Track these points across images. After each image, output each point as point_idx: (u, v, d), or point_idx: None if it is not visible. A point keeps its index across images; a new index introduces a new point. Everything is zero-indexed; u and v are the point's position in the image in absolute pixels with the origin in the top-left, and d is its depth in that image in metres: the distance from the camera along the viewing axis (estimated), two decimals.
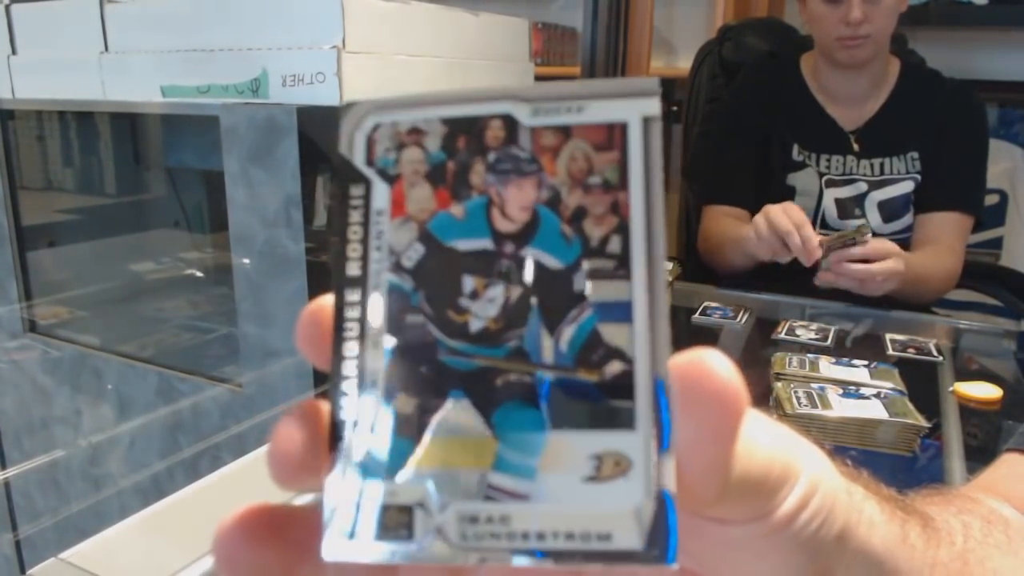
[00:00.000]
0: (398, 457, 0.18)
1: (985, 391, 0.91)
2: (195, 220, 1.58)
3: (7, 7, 1.17)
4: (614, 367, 0.18)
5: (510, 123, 0.19)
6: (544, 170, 0.19)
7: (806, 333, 1.09)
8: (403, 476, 0.18)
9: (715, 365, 0.18)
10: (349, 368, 0.19)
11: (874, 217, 1.34)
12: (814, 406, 0.79)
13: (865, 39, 1.25)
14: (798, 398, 0.81)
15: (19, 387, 1.42)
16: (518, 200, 0.19)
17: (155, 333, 1.43)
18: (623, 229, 0.18)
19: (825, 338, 1.07)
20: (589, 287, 0.18)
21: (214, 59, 0.98)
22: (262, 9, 0.94)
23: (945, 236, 1.32)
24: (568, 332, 0.18)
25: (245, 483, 0.74)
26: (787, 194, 1.37)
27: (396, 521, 0.18)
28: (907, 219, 1.35)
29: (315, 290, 1.03)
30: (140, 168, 1.63)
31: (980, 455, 0.78)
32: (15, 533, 1.44)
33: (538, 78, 1.34)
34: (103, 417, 1.32)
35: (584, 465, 0.17)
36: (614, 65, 1.53)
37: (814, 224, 1.36)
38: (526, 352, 0.19)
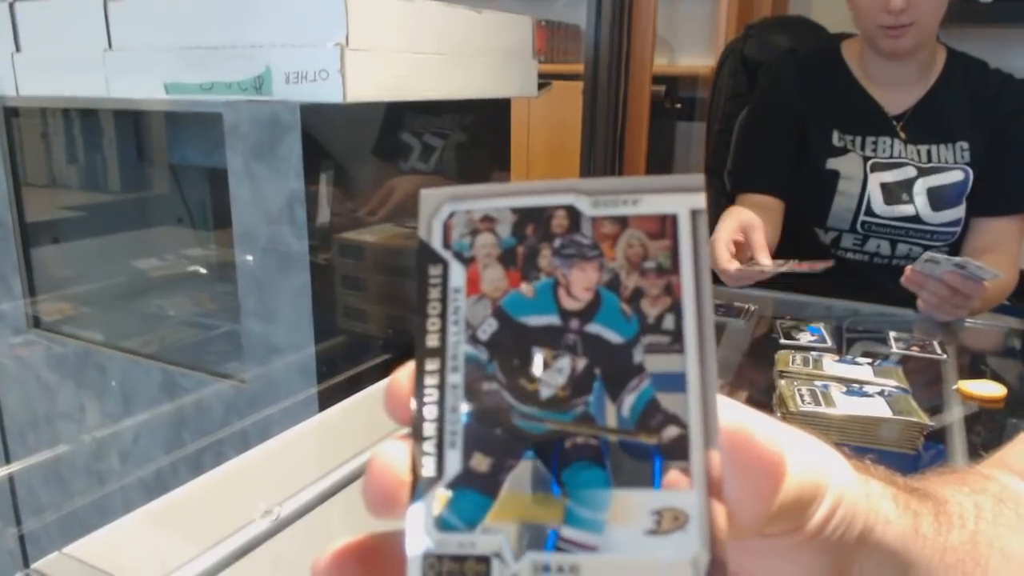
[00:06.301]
0: (476, 511, 0.20)
1: (989, 389, 0.90)
2: (199, 217, 1.58)
3: (11, 4, 1.17)
4: (671, 431, 0.20)
5: (573, 213, 0.21)
6: (604, 255, 0.21)
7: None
8: (481, 529, 0.20)
9: (758, 433, 0.20)
10: (429, 430, 0.20)
11: (923, 204, 1.29)
12: (818, 404, 0.79)
13: (908, 27, 1.21)
14: (802, 396, 0.80)
15: (23, 383, 1.43)
16: (582, 281, 0.21)
17: (159, 329, 1.44)
18: (676, 308, 0.20)
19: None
20: (647, 360, 0.20)
21: (217, 56, 0.98)
22: (265, 6, 0.94)
23: (1002, 243, 1.28)
24: (629, 400, 0.20)
25: (248, 479, 0.74)
26: (830, 179, 1.32)
27: (475, 571, 0.19)
28: (958, 211, 1.29)
29: (318, 287, 1.03)
30: (144, 165, 1.63)
31: (984, 453, 0.78)
32: (19, 528, 1.45)
33: (541, 75, 1.33)
34: (107, 413, 1.33)
35: (646, 519, 0.19)
36: (617, 62, 1.53)
37: (858, 212, 1.32)
38: (591, 417, 0.20)
